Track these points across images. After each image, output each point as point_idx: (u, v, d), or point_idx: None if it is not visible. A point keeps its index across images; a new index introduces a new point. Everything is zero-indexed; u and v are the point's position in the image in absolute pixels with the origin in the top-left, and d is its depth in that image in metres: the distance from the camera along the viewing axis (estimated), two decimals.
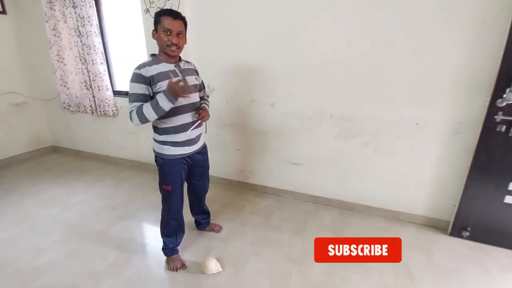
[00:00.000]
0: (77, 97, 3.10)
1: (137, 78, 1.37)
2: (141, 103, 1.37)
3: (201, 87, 1.68)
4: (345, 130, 2.11)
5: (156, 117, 1.36)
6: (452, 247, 1.87)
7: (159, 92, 1.38)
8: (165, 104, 1.33)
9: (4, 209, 2.31)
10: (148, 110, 1.34)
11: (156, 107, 1.33)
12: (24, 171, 3.07)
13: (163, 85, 1.38)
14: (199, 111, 1.56)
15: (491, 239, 1.88)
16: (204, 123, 1.63)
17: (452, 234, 1.97)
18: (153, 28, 1.42)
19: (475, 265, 1.71)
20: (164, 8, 2.22)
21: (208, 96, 1.81)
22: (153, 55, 1.47)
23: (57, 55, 2.96)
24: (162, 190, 1.60)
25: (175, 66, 1.46)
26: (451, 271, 1.66)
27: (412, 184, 2.05)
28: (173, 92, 1.31)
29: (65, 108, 3.22)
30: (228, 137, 2.56)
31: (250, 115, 2.40)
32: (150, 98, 1.41)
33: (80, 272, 1.64)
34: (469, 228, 1.91)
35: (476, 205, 1.87)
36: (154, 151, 1.57)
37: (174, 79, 1.32)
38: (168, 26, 1.35)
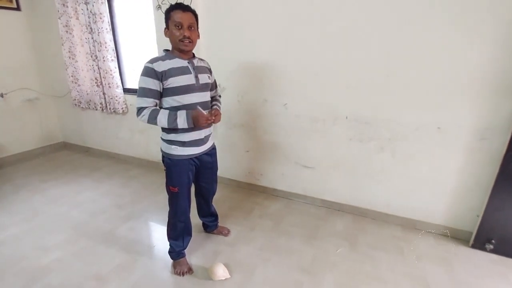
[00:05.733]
0: (87, 94, 3.09)
1: (149, 72, 1.32)
2: (155, 107, 1.36)
3: (213, 86, 1.63)
4: (360, 133, 2.02)
5: (166, 127, 1.38)
6: (474, 260, 1.76)
7: (169, 88, 1.35)
8: (182, 125, 1.36)
9: (13, 205, 2.31)
10: (162, 119, 1.34)
11: (173, 122, 1.35)
12: (35, 167, 3.08)
13: (174, 80, 1.35)
14: (211, 111, 1.49)
15: None
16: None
17: (474, 246, 1.85)
18: (164, 26, 1.39)
19: (500, 282, 1.59)
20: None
21: (220, 96, 1.75)
22: (166, 50, 1.43)
23: (69, 51, 2.96)
24: (169, 191, 1.56)
25: (188, 63, 1.41)
26: (474, 287, 1.55)
27: (431, 192, 1.94)
28: (196, 121, 1.36)
29: (75, 105, 3.23)
30: (238, 138, 2.50)
31: (261, 115, 2.32)
32: (160, 94, 1.37)
33: (86, 273, 1.61)
34: (493, 241, 1.79)
35: (502, 216, 1.74)
36: (162, 151, 1.52)
37: (203, 112, 1.36)
38: (178, 19, 1.31)
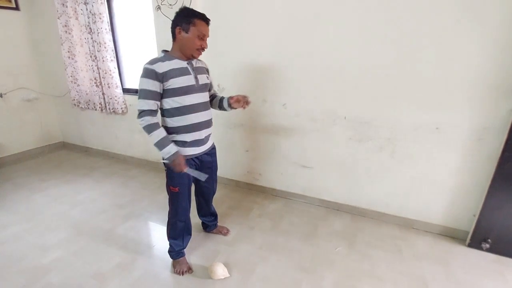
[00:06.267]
0: (87, 94, 3.10)
1: (149, 73, 1.33)
2: (156, 122, 1.38)
3: (211, 86, 1.65)
4: (359, 133, 2.03)
5: (153, 143, 1.39)
6: (471, 259, 1.78)
7: (169, 89, 1.36)
8: (164, 154, 1.39)
9: (13, 205, 2.32)
10: (156, 136, 1.37)
11: (160, 147, 1.37)
12: (34, 167, 3.09)
13: (174, 82, 1.36)
14: (234, 98, 1.57)
15: None
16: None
17: (470, 245, 1.87)
18: (169, 25, 1.39)
19: (496, 280, 1.61)
20: (176, 5, 2.19)
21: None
22: (165, 51, 1.44)
23: (68, 51, 2.97)
24: (169, 191, 1.57)
25: (187, 64, 1.43)
26: (471, 286, 1.57)
27: (429, 192, 1.96)
28: (173, 163, 1.40)
29: (75, 104, 3.23)
30: (237, 138, 2.51)
31: (260, 115, 2.34)
32: (160, 95, 1.38)
33: (86, 272, 1.62)
34: (489, 240, 1.81)
35: (499, 216, 1.76)
36: None
37: (184, 167, 1.42)
38: (203, 31, 1.38)
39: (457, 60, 1.66)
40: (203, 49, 1.42)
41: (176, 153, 1.39)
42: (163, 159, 1.45)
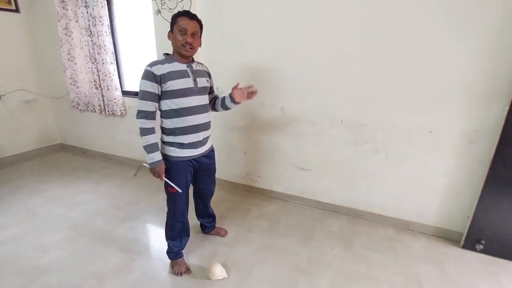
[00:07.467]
0: (86, 96, 3.11)
1: (148, 75, 1.37)
2: (153, 127, 1.43)
3: (211, 90, 1.68)
4: (356, 136, 2.07)
5: (143, 145, 1.45)
6: (465, 260, 1.81)
7: (168, 91, 1.39)
8: (148, 158, 1.45)
9: (12, 206, 2.32)
10: (146, 140, 1.42)
11: (147, 150, 1.43)
12: (32, 168, 3.09)
13: (173, 84, 1.39)
14: (237, 91, 1.60)
15: (506, 253, 1.81)
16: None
17: (465, 246, 1.91)
18: (168, 29, 1.44)
19: (489, 281, 1.64)
20: (176, 9, 2.23)
21: None
22: (166, 54, 1.47)
23: (68, 54, 2.98)
24: (167, 192, 1.59)
25: (187, 67, 1.45)
26: (465, 287, 1.59)
27: (424, 193, 1.99)
28: (152, 171, 1.47)
29: (74, 106, 3.24)
30: (235, 140, 2.54)
31: (259, 118, 2.37)
32: (158, 97, 1.40)
33: (84, 273, 1.63)
34: (483, 241, 1.84)
35: (492, 217, 1.80)
36: (160, 153, 1.55)
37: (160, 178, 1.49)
38: (184, 25, 1.37)
39: (449, 65, 1.71)
40: (188, 44, 1.38)
41: (159, 161, 1.45)
42: (145, 163, 1.50)
